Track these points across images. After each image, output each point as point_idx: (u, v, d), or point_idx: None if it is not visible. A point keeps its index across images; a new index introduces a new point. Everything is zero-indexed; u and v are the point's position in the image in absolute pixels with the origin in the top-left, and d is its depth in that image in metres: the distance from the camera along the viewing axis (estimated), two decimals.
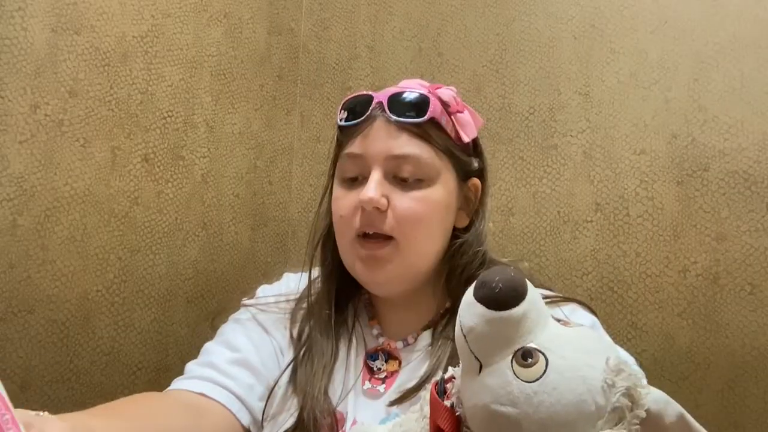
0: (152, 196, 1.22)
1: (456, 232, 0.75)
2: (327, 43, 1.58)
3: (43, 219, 1.05)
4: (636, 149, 1.15)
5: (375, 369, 0.72)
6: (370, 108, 0.71)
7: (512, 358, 0.44)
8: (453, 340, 0.62)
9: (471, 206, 0.77)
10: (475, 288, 0.46)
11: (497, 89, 1.30)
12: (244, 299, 0.84)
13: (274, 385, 0.74)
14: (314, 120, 1.57)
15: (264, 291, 0.84)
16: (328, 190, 0.78)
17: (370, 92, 0.73)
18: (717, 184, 1.08)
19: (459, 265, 0.73)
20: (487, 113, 1.30)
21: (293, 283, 0.83)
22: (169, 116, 1.26)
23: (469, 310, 0.46)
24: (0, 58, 1.00)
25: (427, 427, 0.51)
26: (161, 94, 1.25)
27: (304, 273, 0.80)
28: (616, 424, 0.42)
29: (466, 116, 0.74)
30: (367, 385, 0.72)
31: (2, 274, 1.00)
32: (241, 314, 0.81)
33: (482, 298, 0.45)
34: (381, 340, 0.75)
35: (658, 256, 1.11)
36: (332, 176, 0.77)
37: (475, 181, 0.77)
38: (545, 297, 0.67)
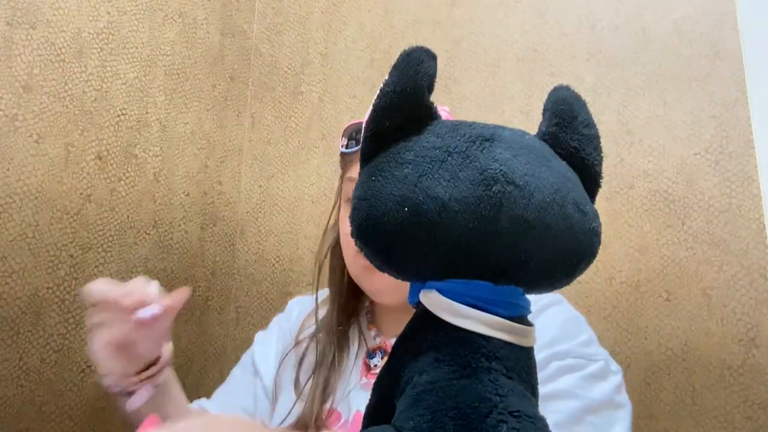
0: (105, 194, 1.22)
1: None
2: (279, 48, 1.60)
3: None
4: None
5: (372, 366, 0.81)
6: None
7: None
8: None
9: None
10: None
11: (446, 103, 1.38)
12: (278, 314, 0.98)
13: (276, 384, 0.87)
14: (265, 122, 1.59)
15: (291, 305, 0.96)
16: (336, 207, 0.86)
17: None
18: (640, 201, 1.20)
19: None
20: None
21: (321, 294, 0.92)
22: (122, 114, 1.26)
23: None
24: None
25: None
26: (115, 91, 1.25)
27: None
28: None
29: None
30: (364, 380, 0.80)
31: None
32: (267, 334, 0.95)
33: None
34: (378, 339, 0.84)
35: None
36: (340, 196, 0.85)
37: None
38: None
